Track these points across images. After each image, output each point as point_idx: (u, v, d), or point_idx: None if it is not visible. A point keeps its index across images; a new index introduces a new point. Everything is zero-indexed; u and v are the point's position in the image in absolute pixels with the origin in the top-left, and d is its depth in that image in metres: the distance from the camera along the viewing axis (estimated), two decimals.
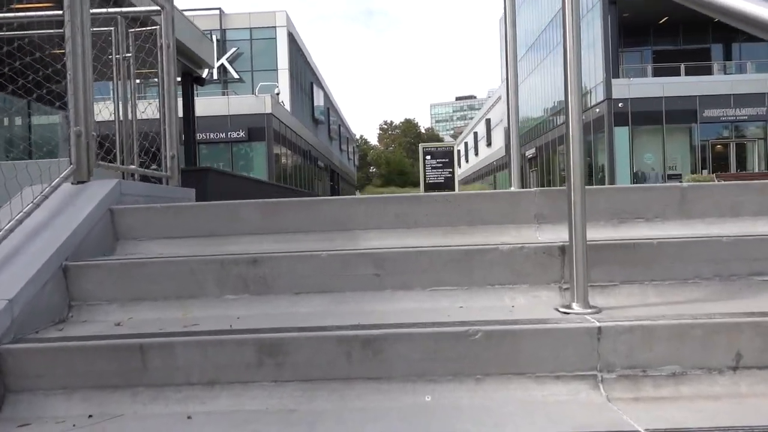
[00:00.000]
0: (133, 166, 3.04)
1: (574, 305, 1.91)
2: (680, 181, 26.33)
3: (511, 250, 2.15)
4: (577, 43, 2.03)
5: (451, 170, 9.60)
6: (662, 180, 27.01)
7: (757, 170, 26.85)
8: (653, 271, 2.13)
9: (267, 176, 26.79)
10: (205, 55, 17.08)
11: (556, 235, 2.39)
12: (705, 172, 26.50)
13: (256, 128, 26.57)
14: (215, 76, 31.33)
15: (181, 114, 20.49)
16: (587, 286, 1.94)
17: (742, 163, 27.29)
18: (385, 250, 2.20)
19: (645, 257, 2.13)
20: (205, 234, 2.47)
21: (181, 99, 17.66)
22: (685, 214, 2.49)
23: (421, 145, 9.98)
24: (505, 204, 2.52)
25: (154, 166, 3.12)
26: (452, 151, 9.81)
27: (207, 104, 26.85)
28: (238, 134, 26.49)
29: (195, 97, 24.57)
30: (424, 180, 9.65)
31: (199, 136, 26.40)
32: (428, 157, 9.73)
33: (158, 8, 2.95)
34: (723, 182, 16.63)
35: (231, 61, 31.68)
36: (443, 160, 9.73)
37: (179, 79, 19.74)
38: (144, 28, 3.01)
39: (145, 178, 3.01)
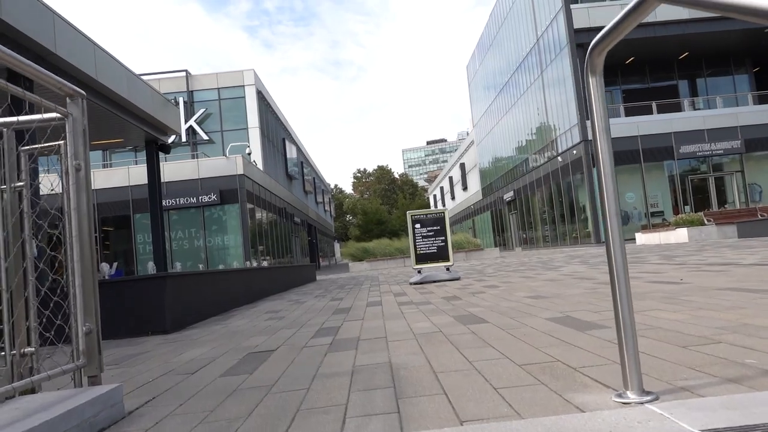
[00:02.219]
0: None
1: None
2: (664, 219, 25.97)
3: None
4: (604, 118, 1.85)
5: (443, 238, 8.71)
6: (645, 218, 26.64)
7: (737, 202, 26.70)
8: None
9: (242, 239, 25.68)
10: (169, 121, 16.24)
11: None
12: (687, 208, 26.23)
13: (228, 190, 25.61)
14: (184, 139, 30.47)
15: (146, 183, 19.34)
16: None
17: (721, 195, 27.14)
18: None
19: None
20: None
21: (146, 168, 16.69)
22: None
23: (409, 213, 9.09)
24: None
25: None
26: (443, 218, 8.92)
27: (176, 169, 25.91)
28: (209, 198, 25.47)
29: (160, 166, 23.68)
30: (415, 251, 8.72)
31: (169, 202, 25.37)
32: (417, 225, 8.83)
33: (59, 116, 2.05)
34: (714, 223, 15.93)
35: (200, 123, 30.91)
36: (434, 227, 8.85)
37: (142, 146, 18.77)
38: (45, 145, 2.09)
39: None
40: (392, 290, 8.03)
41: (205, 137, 30.76)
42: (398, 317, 4.40)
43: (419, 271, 9.10)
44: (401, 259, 24.51)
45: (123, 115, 13.67)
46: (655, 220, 26.42)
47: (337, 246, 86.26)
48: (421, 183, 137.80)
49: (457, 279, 8.85)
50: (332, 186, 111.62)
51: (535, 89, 33.16)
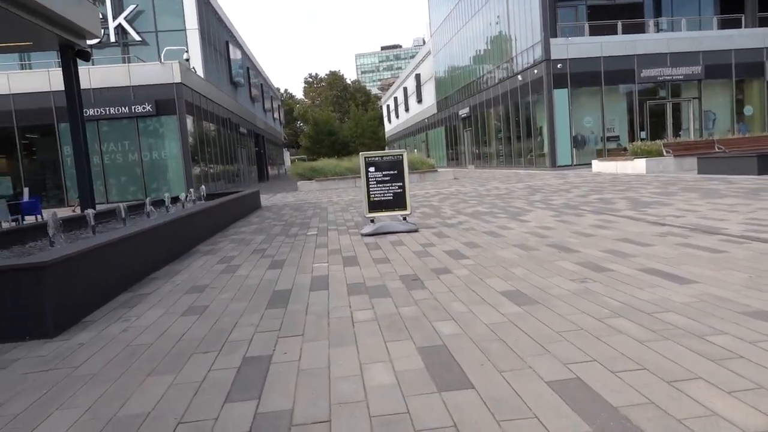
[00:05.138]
0: None
1: None
2: (619, 144, 25.66)
3: None
4: None
5: (401, 184, 7.73)
6: (602, 143, 26.24)
7: (692, 129, 26.55)
8: None
9: (181, 154, 23.87)
10: (86, 23, 13.98)
11: None
12: (643, 134, 25.91)
13: (164, 100, 23.41)
14: (113, 39, 27.41)
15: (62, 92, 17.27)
16: None
17: (677, 122, 26.90)
18: None
19: None
20: None
21: (62, 77, 14.59)
22: None
23: (362, 155, 8.00)
24: None
25: None
26: (401, 161, 7.87)
27: (105, 74, 23.43)
28: (144, 108, 23.23)
29: (87, 72, 21.13)
30: (368, 197, 7.70)
31: (97, 111, 23.06)
32: (372, 168, 7.78)
33: None
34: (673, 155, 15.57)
35: (130, 21, 27.72)
36: (391, 172, 7.82)
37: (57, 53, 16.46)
38: None
39: None
40: (341, 246, 7.05)
41: (137, 38, 27.77)
42: (348, 340, 3.45)
43: (372, 221, 8.13)
44: (352, 180, 23.48)
45: (22, 13, 11.50)
46: (610, 145, 26.07)
47: (286, 154, 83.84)
48: (375, 91, 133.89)
49: (415, 231, 7.94)
50: (282, 91, 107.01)
51: (498, 1, 31.19)
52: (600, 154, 25.08)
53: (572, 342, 3.02)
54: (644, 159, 18.17)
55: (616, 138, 26.49)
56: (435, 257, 5.92)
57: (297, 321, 3.85)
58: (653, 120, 26.57)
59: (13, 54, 24.63)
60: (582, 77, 25.59)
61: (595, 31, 26.62)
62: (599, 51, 25.59)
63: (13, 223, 12.86)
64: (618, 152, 23.53)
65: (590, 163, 22.87)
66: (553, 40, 25.32)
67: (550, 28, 25.40)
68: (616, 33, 26.37)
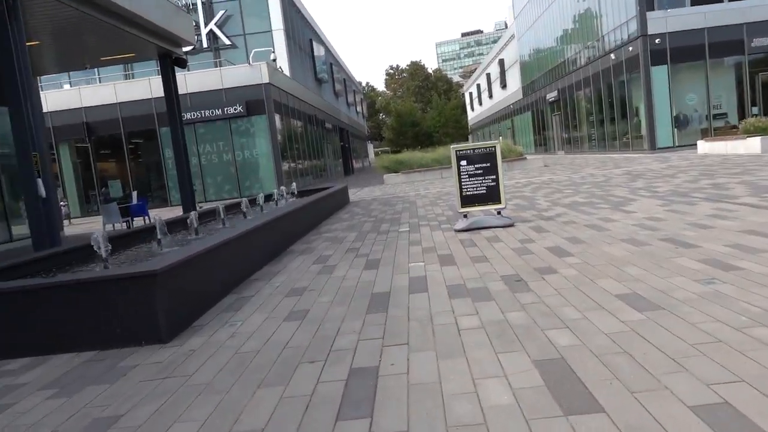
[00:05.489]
0: None
1: None
2: (727, 122, 23.65)
3: None
4: None
5: (494, 177, 7.46)
6: (707, 122, 24.30)
7: None
8: None
9: (272, 152, 24.62)
10: (182, 31, 14.65)
11: None
12: (755, 110, 23.72)
13: (254, 101, 24.22)
14: (205, 44, 28.69)
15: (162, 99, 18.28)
16: None
17: None
18: None
19: None
20: None
21: (162, 84, 15.40)
22: None
23: (453, 148, 7.79)
24: None
25: None
26: (494, 153, 7.60)
27: (199, 79, 24.56)
28: (235, 109, 24.17)
29: (183, 78, 22.22)
30: (461, 192, 7.48)
31: (194, 115, 24.24)
32: (463, 162, 7.56)
33: None
34: None
35: (220, 26, 28.88)
36: (483, 164, 7.57)
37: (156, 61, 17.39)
38: None
39: None
40: (435, 243, 6.90)
41: (228, 42, 28.89)
42: (456, 351, 3.30)
43: (465, 216, 7.90)
44: (438, 171, 23.21)
45: (127, 28, 12.22)
46: (717, 123, 24.09)
47: (370, 147, 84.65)
48: (456, 79, 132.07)
49: (511, 225, 7.64)
50: (364, 84, 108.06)
51: None
52: (706, 134, 23.23)
53: (711, 357, 2.70)
54: (759, 137, 16.57)
55: (724, 115, 24.41)
56: (536, 255, 5.63)
57: (400, 328, 3.74)
58: (767, 93, 24.23)
59: (117, 65, 26.37)
60: (683, 52, 23.76)
61: (697, 2, 24.61)
62: (703, 22, 23.63)
63: (124, 224, 13.78)
64: (727, 130, 21.70)
65: (695, 144, 21.22)
66: (650, 14, 23.67)
67: (646, 0, 23.75)
68: (721, 1, 24.23)
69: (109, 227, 13.44)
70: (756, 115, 21.83)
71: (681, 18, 23.79)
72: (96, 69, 26.38)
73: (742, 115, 23.56)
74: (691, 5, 24.56)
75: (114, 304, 4.03)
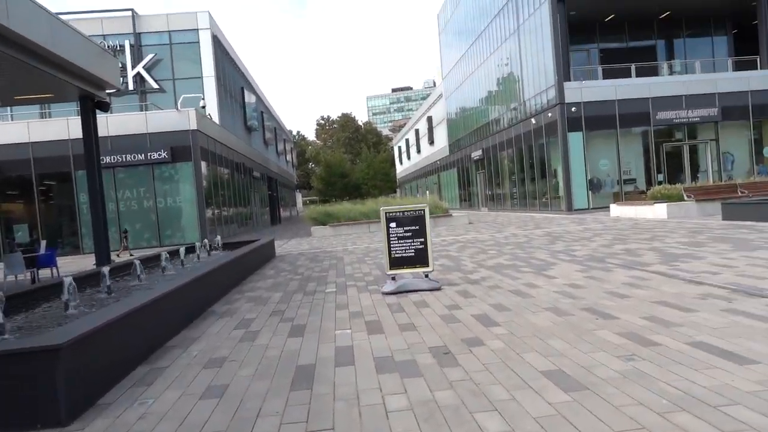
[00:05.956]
0: None
1: None
2: (636, 187, 25.36)
3: None
4: None
5: (423, 240, 7.51)
6: (618, 186, 25.97)
7: (710, 171, 26.23)
8: None
9: (196, 199, 23.90)
10: (106, 74, 14.18)
11: None
12: (660, 176, 25.63)
13: (180, 147, 23.60)
14: (131, 87, 27.92)
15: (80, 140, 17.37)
16: None
17: (695, 164, 26.62)
18: None
19: None
20: None
21: (80, 125, 14.73)
22: None
23: (382, 210, 7.82)
24: None
25: None
26: (423, 216, 7.67)
27: (123, 122, 23.73)
28: (159, 155, 23.43)
29: (105, 119, 21.38)
30: (389, 253, 7.46)
31: (114, 158, 23.27)
32: (393, 224, 7.56)
33: None
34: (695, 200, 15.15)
35: (148, 69, 28.29)
36: (412, 227, 7.61)
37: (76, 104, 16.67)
38: None
39: None
40: (363, 307, 6.78)
41: (155, 86, 28.27)
42: None
43: (393, 278, 7.87)
44: (366, 225, 23.30)
45: (47, 69, 11.68)
46: (627, 188, 25.80)
47: (299, 196, 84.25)
48: (386, 132, 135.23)
49: (438, 289, 7.66)
50: (295, 132, 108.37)
51: (511, 44, 31.54)
52: (617, 197, 24.78)
53: None
54: (665, 203, 17.84)
55: (633, 180, 26.24)
56: (463, 323, 5.63)
57: (325, 409, 3.56)
58: (670, 162, 26.33)
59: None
60: (597, 120, 25.54)
61: (608, 74, 26.72)
62: (614, 94, 25.61)
63: (29, 275, 12.77)
64: (636, 195, 23.24)
65: (608, 207, 22.56)
66: (566, 84, 25.39)
67: (564, 72, 25.51)
68: (629, 76, 26.43)
69: (11, 278, 12.39)
70: (661, 182, 23.58)
71: (595, 89, 25.67)
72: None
73: (649, 181, 25.41)
74: (603, 78, 26.62)
75: (7, 381, 3.62)
